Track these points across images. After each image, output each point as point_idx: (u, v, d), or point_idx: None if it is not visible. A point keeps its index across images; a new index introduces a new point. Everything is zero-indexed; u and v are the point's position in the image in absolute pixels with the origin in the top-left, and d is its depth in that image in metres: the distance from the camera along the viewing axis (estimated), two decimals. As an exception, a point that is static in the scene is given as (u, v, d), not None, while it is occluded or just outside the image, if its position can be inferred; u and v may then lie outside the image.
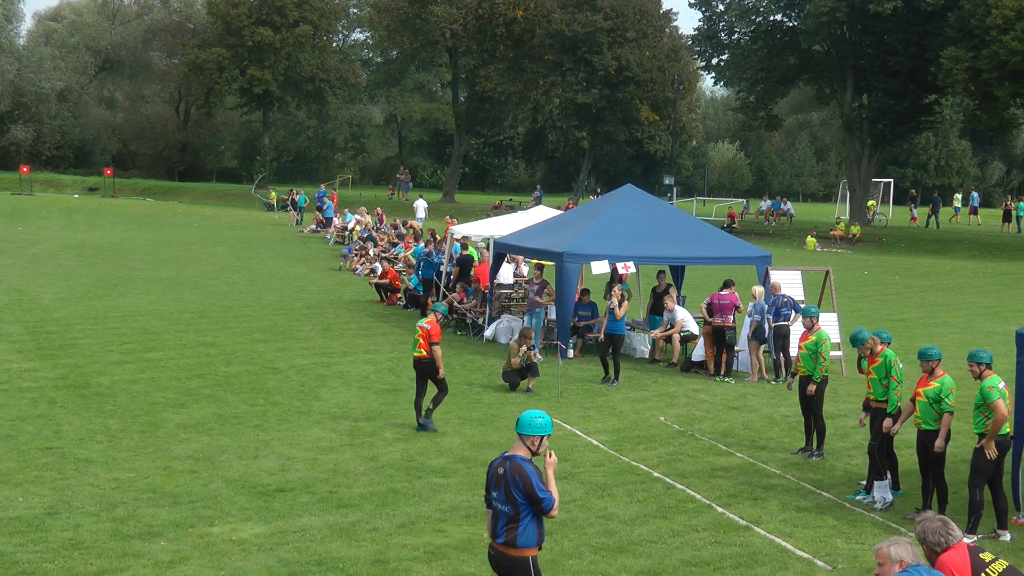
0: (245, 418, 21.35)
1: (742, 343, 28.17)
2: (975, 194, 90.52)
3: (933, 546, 9.93)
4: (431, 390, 21.43)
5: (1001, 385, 15.70)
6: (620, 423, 22.12)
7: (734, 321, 27.49)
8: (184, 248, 54.52)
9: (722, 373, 27.38)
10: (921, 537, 10.05)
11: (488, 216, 37.90)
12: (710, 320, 27.62)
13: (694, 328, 29.57)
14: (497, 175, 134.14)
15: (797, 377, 20.43)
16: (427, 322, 21.32)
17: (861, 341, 18.05)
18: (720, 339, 27.57)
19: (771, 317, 27.12)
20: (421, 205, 69.81)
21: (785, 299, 27.27)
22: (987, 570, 9.87)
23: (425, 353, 21.06)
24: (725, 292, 27.73)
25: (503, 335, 30.94)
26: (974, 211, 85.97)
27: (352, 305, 37.70)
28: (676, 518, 16.11)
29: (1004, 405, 15.53)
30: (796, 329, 25.84)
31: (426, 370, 21.19)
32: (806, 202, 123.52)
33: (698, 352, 28.31)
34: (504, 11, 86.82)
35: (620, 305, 26.23)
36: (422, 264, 37.36)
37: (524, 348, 24.85)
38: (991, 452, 15.62)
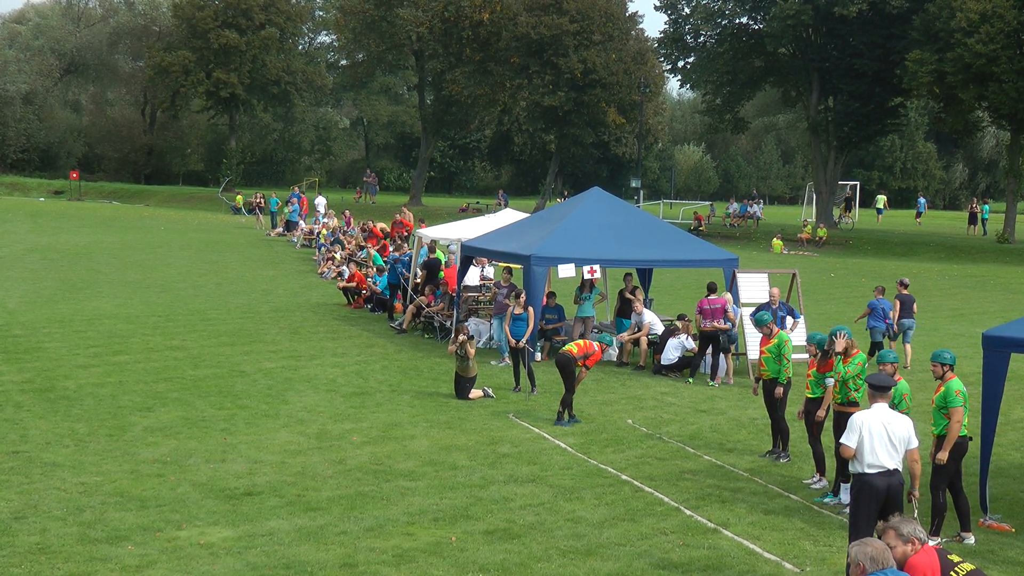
0: (212, 422, 21.29)
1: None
2: (922, 200, 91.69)
3: (907, 537, 10.00)
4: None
5: (964, 389, 15.75)
6: (588, 426, 22.13)
7: (726, 323, 27.59)
8: (151, 251, 54.30)
9: (713, 377, 27.60)
10: (895, 531, 10.11)
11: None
12: (701, 325, 27.74)
13: (660, 331, 29.59)
14: (464, 178, 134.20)
15: (761, 381, 20.52)
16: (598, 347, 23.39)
17: (821, 343, 18.33)
18: (713, 343, 27.66)
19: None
20: (322, 202, 70.35)
21: (786, 305, 27.84)
22: (955, 569, 9.94)
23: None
24: (714, 296, 27.84)
25: (471, 338, 30.91)
26: (919, 215, 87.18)
27: (319, 308, 37.62)
28: (644, 521, 16.14)
29: (961, 412, 15.58)
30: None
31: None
32: (772, 205, 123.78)
33: (668, 355, 28.32)
34: (470, 14, 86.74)
35: (519, 300, 26.56)
36: (389, 267, 37.31)
37: (462, 337, 24.75)
38: (942, 458, 15.65)
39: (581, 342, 23.39)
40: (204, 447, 19.38)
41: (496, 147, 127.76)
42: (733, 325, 27.61)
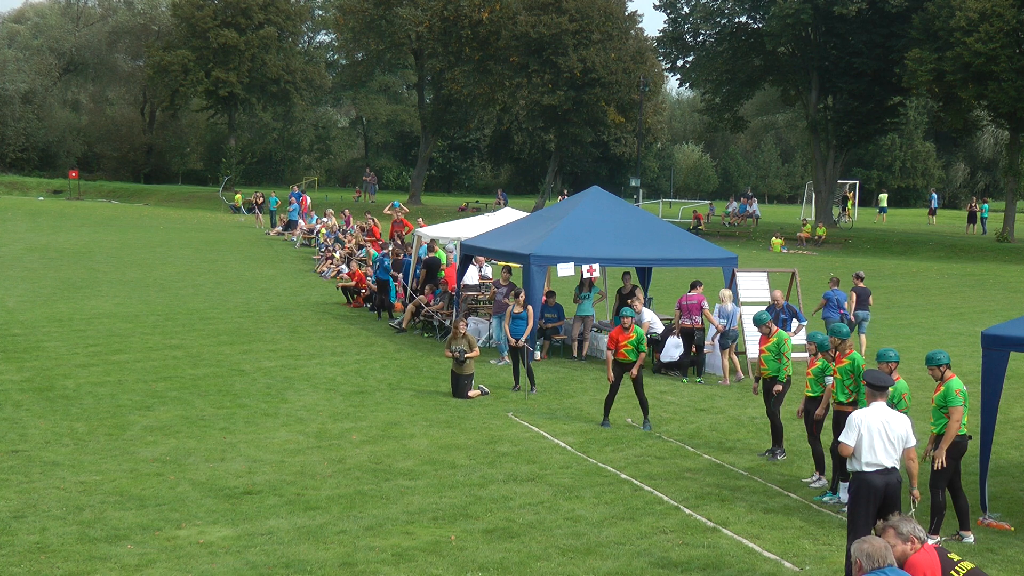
0: (212, 420, 21.28)
1: (712, 345, 28.26)
2: (935, 195, 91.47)
3: (906, 535, 10.00)
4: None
5: (964, 388, 15.73)
6: (587, 425, 22.13)
7: (703, 322, 27.67)
8: (150, 250, 54.30)
9: (699, 374, 27.62)
10: (894, 529, 10.10)
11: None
12: (679, 322, 27.81)
13: (660, 329, 29.58)
14: (463, 177, 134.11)
15: (761, 380, 20.51)
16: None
17: (822, 343, 18.26)
18: (689, 340, 27.72)
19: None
20: (307, 202, 70.52)
21: (789, 308, 27.85)
22: (955, 568, 9.94)
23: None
24: (692, 293, 27.88)
25: (470, 337, 30.92)
26: (933, 212, 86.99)
27: (319, 307, 37.62)
28: (644, 520, 16.13)
29: (961, 412, 15.55)
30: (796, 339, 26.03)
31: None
32: (772, 204, 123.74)
33: (668, 353, 28.29)
34: (469, 13, 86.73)
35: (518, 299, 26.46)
36: (378, 266, 37.27)
37: (465, 332, 24.69)
38: (940, 461, 15.62)
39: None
40: (203, 446, 19.37)
41: (495, 146, 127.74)
42: (714, 324, 27.62)
